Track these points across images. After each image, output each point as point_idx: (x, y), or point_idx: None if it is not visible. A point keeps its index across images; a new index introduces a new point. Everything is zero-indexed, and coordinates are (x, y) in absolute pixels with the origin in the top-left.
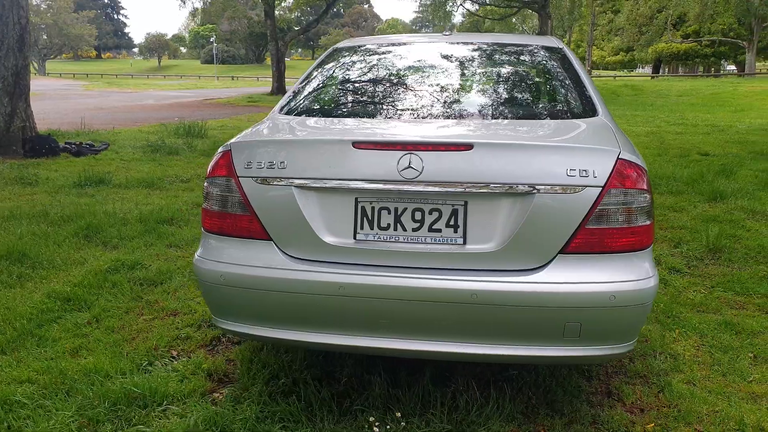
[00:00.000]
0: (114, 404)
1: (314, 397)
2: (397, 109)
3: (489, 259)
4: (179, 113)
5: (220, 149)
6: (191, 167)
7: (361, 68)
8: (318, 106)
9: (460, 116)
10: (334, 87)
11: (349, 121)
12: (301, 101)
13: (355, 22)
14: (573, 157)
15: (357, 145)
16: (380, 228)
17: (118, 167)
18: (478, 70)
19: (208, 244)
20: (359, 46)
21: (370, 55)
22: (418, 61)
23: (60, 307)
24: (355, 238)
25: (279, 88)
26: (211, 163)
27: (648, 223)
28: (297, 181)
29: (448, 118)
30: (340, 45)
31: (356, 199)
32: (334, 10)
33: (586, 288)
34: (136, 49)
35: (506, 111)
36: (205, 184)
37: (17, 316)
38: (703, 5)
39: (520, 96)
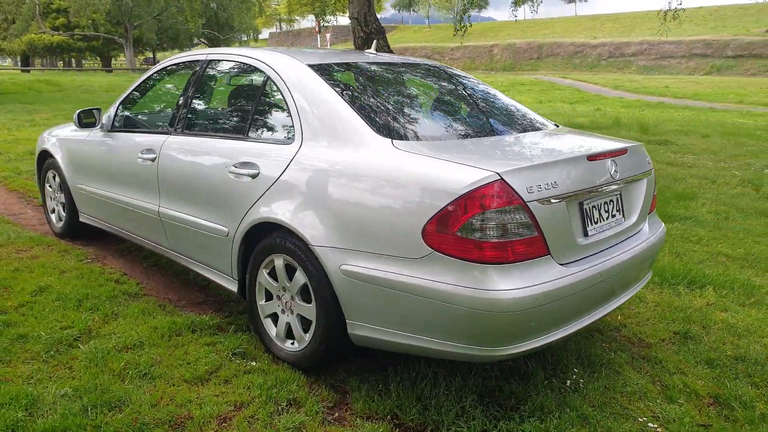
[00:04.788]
0: None
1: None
2: (484, 125)
3: (633, 228)
4: None
5: (472, 180)
6: None
7: (387, 89)
8: (423, 129)
9: (525, 129)
10: (403, 108)
11: (490, 139)
12: (393, 123)
13: None
14: (644, 150)
15: (590, 158)
16: (595, 222)
17: None
18: (461, 89)
19: (475, 276)
20: (339, 63)
21: (367, 74)
22: (421, 79)
23: None
24: (586, 234)
25: None
26: (467, 197)
27: None
28: (565, 196)
29: (525, 131)
30: (306, 62)
31: (580, 203)
32: None
33: (660, 234)
34: None
35: (532, 122)
36: (470, 219)
37: None
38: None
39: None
